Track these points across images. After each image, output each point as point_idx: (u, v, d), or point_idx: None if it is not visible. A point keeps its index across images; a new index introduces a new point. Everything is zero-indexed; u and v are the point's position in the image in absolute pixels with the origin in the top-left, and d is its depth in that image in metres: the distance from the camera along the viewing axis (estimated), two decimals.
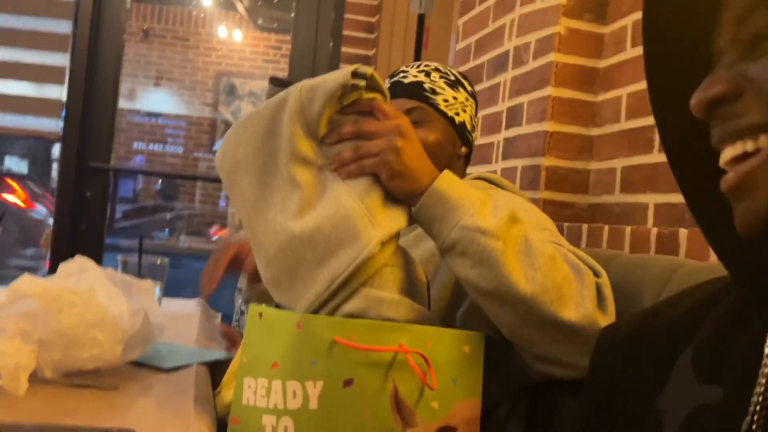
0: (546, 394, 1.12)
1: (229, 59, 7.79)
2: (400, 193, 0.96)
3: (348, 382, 0.88)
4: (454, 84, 1.30)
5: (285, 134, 0.95)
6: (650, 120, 1.45)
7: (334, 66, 3.21)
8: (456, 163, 1.30)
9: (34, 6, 5.21)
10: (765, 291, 0.55)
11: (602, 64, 1.64)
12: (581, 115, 1.64)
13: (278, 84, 2.12)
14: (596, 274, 0.98)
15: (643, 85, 1.49)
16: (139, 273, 1.37)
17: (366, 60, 3.22)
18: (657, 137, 1.43)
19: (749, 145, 0.48)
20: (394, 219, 0.95)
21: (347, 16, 3.23)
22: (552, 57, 1.63)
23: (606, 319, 0.94)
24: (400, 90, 1.27)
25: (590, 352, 0.88)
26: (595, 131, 1.64)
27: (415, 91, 1.26)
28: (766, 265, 0.53)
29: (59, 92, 3.16)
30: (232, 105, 7.81)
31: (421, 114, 1.25)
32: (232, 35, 7.78)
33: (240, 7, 7.36)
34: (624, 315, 0.93)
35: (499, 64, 1.91)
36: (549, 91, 1.62)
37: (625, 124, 1.54)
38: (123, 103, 7.87)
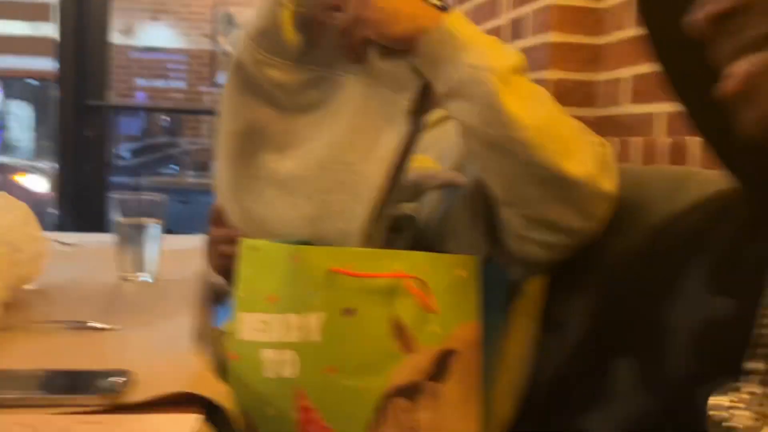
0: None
1: None
2: (399, 41, 0.88)
3: (348, 311, 0.86)
4: None
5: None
6: None
7: None
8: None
9: None
10: None
11: None
12: (586, 23, 1.56)
13: None
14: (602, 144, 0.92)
15: None
16: (138, 212, 1.33)
17: None
18: None
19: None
20: None
21: None
22: None
23: (609, 183, 0.88)
24: None
25: (587, 214, 0.86)
26: (601, 39, 1.56)
27: None
28: None
29: (48, 30, 3.09)
30: (231, 35, 7.65)
31: None
32: None
33: None
34: (634, 229, 0.90)
35: None
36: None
37: (632, 31, 1.46)
38: (121, 39, 7.74)
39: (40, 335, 0.89)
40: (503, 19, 1.79)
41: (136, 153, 7.53)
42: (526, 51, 1.65)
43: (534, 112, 0.84)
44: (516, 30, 1.71)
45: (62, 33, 2.95)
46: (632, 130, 1.46)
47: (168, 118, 8.12)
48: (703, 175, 1.09)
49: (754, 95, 0.46)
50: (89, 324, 0.92)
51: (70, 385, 0.72)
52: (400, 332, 0.88)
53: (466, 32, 0.87)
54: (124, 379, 0.70)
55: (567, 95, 1.57)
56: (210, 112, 7.27)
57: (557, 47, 1.54)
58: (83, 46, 2.95)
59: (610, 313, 0.67)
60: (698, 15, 0.48)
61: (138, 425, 0.65)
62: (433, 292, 0.90)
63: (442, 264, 0.93)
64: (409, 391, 0.88)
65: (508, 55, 0.87)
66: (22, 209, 0.98)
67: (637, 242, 0.68)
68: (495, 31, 1.83)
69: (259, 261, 0.90)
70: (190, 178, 6.68)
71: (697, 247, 0.61)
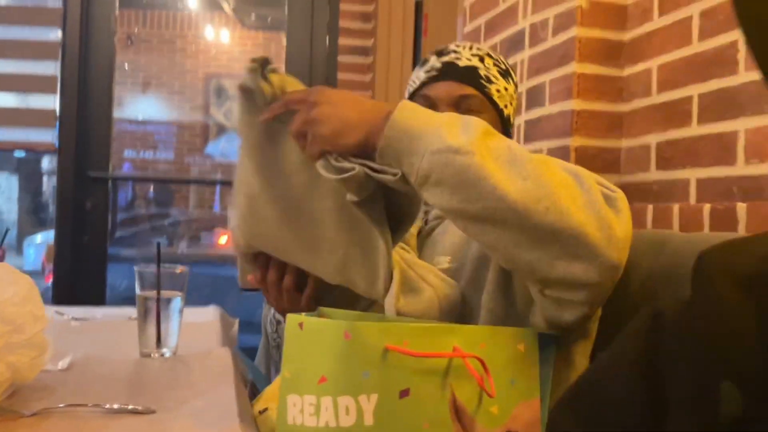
0: None
1: (217, 61, 7.68)
2: (355, 148, 0.87)
3: (404, 393, 0.81)
4: (506, 74, 1.21)
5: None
6: (686, 92, 1.38)
7: (332, 59, 3.12)
8: None
9: (21, 15, 5.09)
10: None
11: (627, 36, 1.56)
12: (608, 90, 1.56)
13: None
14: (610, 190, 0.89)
15: (674, 56, 1.41)
16: (158, 284, 1.28)
17: (364, 51, 3.13)
18: (695, 109, 1.35)
19: None
20: None
21: (342, 6, 3.13)
22: (574, 32, 1.55)
23: (620, 221, 0.84)
24: (453, 73, 1.17)
25: (597, 263, 0.82)
26: (624, 107, 1.56)
27: (471, 77, 1.17)
28: None
29: (49, 102, 3.08)
30: (224, 107, 7.71)
31: (475, 103, 1.16)
32: (219, 36, 7.67)
33: (226, 7, 7.25)
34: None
35: (514, 44, 1.82)
36: (573, 67, 1.54)
37: (657, 98, 1.46)
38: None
39: (79, 421, 0.83)
40: (519, 89, 1.80)
41: (124, 224, 7.46)
42: (546, 119, 1.65)
43: (514, 174, 0.81)
44: (533, 99, 1.71)
45: (64, 104, 2.94)
46: (660, 196, 1.44)
47: (152, 188, 8.08)
48: (679, 238, 1.07)
49: None
50: (130, 407, 0.86)
51: None
52: (458, 414, 0.82)
53: (418, 120, 0.85)
54: None
55: (590, 162, 1.56)
56: (200, 182, 7.29)
57: (580, 115, 1.54)
58: (85, 117, 2.94)
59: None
60: None
61: None
62: (492, 369, 0.85)
63: (502, 338, 0.88)
64: None
65: (467, 126, 0.84)
66: (25, 283, 0.91)
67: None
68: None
69: (307, 338, 0.84)
70: (181, 250, 6.60)
71: None
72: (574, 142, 1.53)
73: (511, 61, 1.83)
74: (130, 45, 7.65)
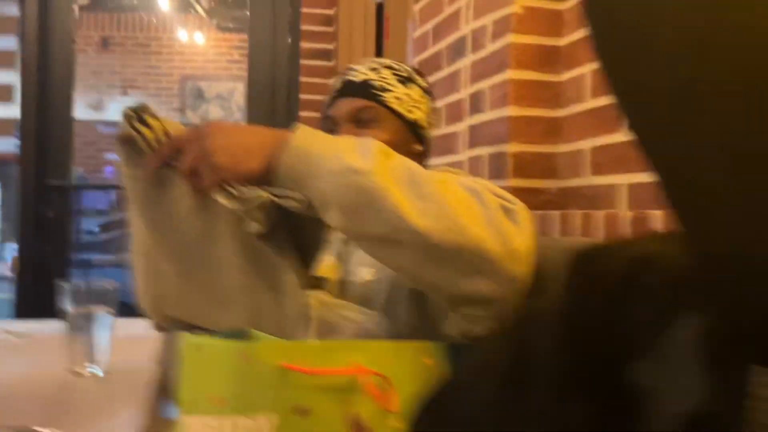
0: None
1: (193, 63, 7.65)
2: (256, 174, 0.85)
3: (302, 411, 0.81)
4: (406, 80, 1.23)
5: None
6: None
7: (294, 63, 3.12)
8: None
9: None
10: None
11: (563, 42, 1.57)
12: (544, 96, 1.56)
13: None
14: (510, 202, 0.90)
15: None
16: (89, 300, 1.28)
17: (326, 54, 3.13)
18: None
19: None
20: None
21: (304, 9, 3.13)
22: (510, 38, 1.55)
23: (520, 233, 0.85)
24: (348, 89, 1.21)
25: (500, 279, 0.83)
26: (560, 113, 1.57)
27: (365, 89, 1.20)
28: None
29: (10, 111, 3.06)
30: (200, 108, 7.68)
31: (371, 113, 1.19)
32: (193, 38, 7.64)
33: (199, 9, 7.23)
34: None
35: (457, 50, 1.83)
36: (509, 74, 1.55)
37: (591, 103, 1.47)
38: (91, 115, 7.72)
39: None
40: (463, 94, 1.80)
41: (105, 228, 7.41)
42: (486, 125, 1.65)
43: (413, 195, 0.82)
44: (476, 104, 1.71)
45: (23, 112, 2.92)
46: (595, 202, 1.45)
47: None
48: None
49: None
50: (34, 428, 0.86)
51: None
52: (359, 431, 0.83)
53: (317, 143, 0.86)
54: None
55: (527, 168, 1.56)
56: None
57: (516, 121, 1.54)
58: (45, 125, 2.92)
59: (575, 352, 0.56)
60: None
61: None
62: (396, 385, 0.85)
63: (407, 353, 0.88)
64: None
65: (365, 147, 0.85)
66: None
67: (617, 273, 0.56)
68: (456, 105, 1.84)
69: (205, 360, 0.84)
70: None
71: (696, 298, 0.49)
72: (511, 148, 1.54)
73: (455, 66, 1.84)
74: (106, 48, 7.62)
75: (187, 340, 0.85)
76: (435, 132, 1.34)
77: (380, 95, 1.19)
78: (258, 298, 0.94)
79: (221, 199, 0.86)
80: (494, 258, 0.83)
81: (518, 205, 0.90)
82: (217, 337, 0.88)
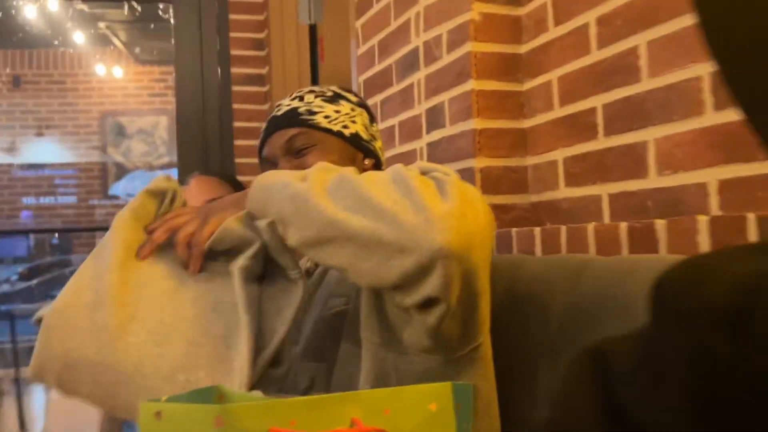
0: None
1: (112, 98, 7.37)
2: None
3: None
4: (333, 98, 1.21)
5: None
6: (589, 103, 1.30)
7: (225, 90, 2.97)
8: None
9: None
10: None
11: (524, 49, 1.49)
12: (509, 107, 1.47)
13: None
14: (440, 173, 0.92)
15: (573, 66, 1.34)
16: (15, 361, 1.10)
17: (260, 79, 2.99)
18: (600, 121, 1.28)
19: None
20: None
21: (233, 34, 2.99)
22: (469, 47, 1.46)
23: (443, 201, 0.85)
24: (274, 124, 1.20)
25: (427, 244, 0.82)
26: (526, 123, 1.48)
27: (290, 118, 1.18)
28: None
29: None
30: (122, 145, 7.39)
31: (303, 139, 1.17)
32: (111, 72, 7.36)
33: (117, 42, 6.97)
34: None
35: (408, 63, 1.73)
36: (471, 84, 1.45)
37: (560, 111, 1.38)
38: (3, 158, 7.34)
39: None
40: (417, 110, 1.70)
41: (24, 276, 7.01)
42: (448, 140, 1.55)
43: (337, 194, 0.88)
44: (433, 120, 1.61)
45: None
46: (571, 215, 1.36)
47: (56, 236, 7.68)
48: (599, 263, 0.99)
49: None
50: None
51: None
52: None
53: (275, 176, 0.96)
54: None
55: (496, 183, 1.47)
56: (103, 228, 6.92)
57: (482, 134, 1.45)
58: None
59: None
60: None
61: None
62: None
63: (408, 400, 0.75)
64: None
65: (310, 169, 0.94)
66: None
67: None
68: (411, 122, 1.73)
69: (167, 429, 0.69)
70: None
71: None
72: (479, 163, 1.44)
73: (407, 81, 1.74)
74: (17, 88, 7.25)
75: (144, 408, 0.69)
76: (382, 144, 1.27)
77: (309, 119, 1.18)
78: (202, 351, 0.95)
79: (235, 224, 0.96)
80: (410, 228, 0.83)
81: (450, 176, 0.90)
82: (181, 400, 0.73)
